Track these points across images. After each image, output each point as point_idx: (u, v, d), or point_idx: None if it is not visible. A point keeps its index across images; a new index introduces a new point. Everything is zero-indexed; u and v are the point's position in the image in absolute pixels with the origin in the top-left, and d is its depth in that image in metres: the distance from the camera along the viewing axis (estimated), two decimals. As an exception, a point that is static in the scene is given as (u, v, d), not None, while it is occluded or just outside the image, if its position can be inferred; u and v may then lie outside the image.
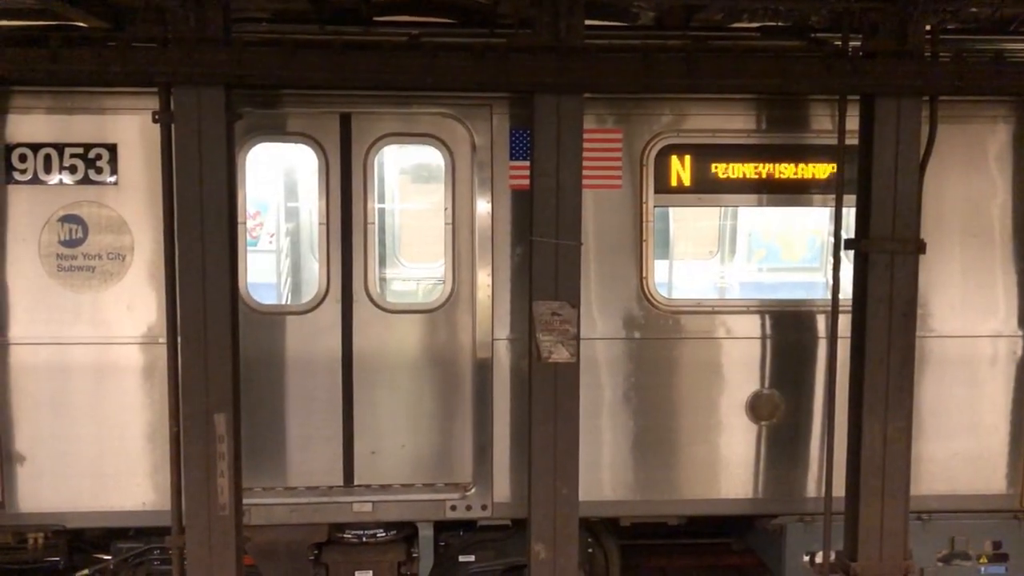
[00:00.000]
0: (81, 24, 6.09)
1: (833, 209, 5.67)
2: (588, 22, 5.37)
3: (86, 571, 6.10)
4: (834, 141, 5.66)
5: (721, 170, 6.08)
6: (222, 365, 5.14)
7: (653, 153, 6.00)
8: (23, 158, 5.73)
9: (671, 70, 5.30)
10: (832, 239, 5.75)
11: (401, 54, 5.20)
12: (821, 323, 6.14)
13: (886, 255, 5.41)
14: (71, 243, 5.79)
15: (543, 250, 5.31)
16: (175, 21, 5.04)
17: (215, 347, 5.12)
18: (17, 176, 5.74)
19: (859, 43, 5.47)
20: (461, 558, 6.12)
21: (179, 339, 5.18)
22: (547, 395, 5.34)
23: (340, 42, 5.17)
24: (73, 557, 6.11)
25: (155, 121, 5.19)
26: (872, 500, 5.46)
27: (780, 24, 6.09)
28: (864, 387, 5.46)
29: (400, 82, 5.27)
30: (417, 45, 5.40)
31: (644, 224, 6.00)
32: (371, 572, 6.03)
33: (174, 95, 5.10)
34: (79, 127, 5.78)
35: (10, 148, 5.73)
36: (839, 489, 5.67)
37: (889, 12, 5.26)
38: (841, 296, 5.64)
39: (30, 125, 5.74)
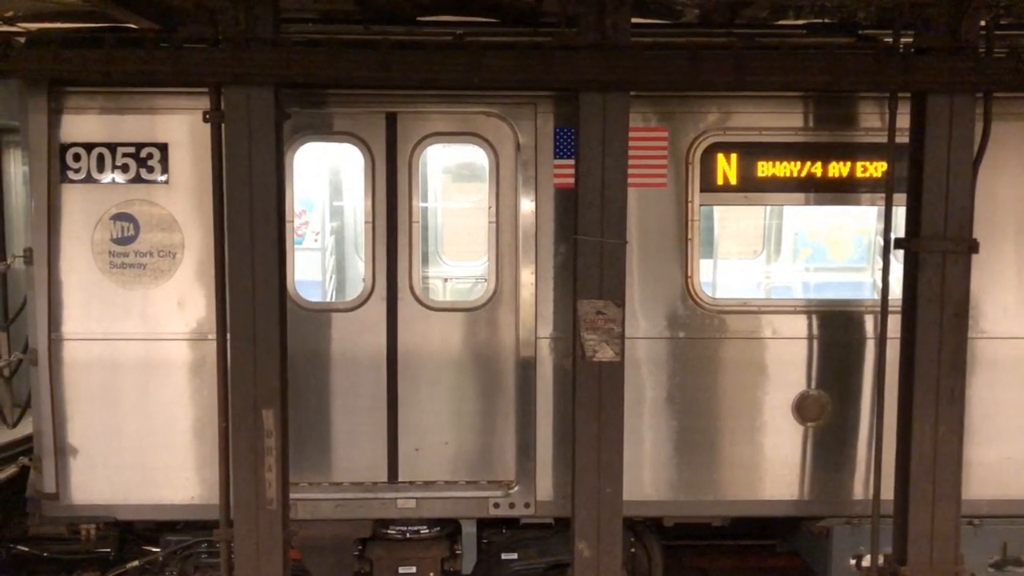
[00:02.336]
0: (132, 26, 6.22)
1: (881, 208, 5.58)
2: (633, 20, 5.36)
3: (136, 563, 6.21)
4: (882, 139, 5.58)
5: (768, 168, 6.02)
6: (270, 361, 5.20)
7: (699, 151, 5.96)
8: (77, 157, 5.85)
9: (718, 67, 5.25)
10: (880, 238, 5.66)
11: (447, 53, 5.24)
12: (869, 323, 6.05)
13: (937, 255, 5.32)
14: (123, 240, 5.90)
15: (588, 249, 5.30)
16: (225, 22, 5.11)
17: (263, 343, 5.18)
18: (71, 175, 5.86)
19: (909, 39, 5.39)
20: (504, 556, 6.14)
21: (228, 335, 5.26)
22: (591, 394, 5.33)
23: (386, 42, 5.21)
24: (123, 549, 6.22)
25: (205, 121, 5.27)
26: (922, 503, 5.37)
27: (827, 21, 6.03)
28: (914, 389, 5.37)
29: (446, 81, 5.29)
30: (463, 44, 5.43)
31: (689, 223, 5.96)
32: (415, 568, 6.06)
33: (224, 95, 5.17)
34: (131, 127, 5.88)
35: (65, 148, 5.85)
36: (887, 492, 5.58)
37: (942, 7, 5.17)
38: (890, 296, 5.55)
39: (84, 125, 5.85)
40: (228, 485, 5.36)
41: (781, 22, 6.17)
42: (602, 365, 5.31)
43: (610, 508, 5.38)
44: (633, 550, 6.30)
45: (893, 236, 5.58)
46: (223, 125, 5.20)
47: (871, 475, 5.72)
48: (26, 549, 6.24)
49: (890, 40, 5.42)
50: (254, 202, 5.15)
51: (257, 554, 5.29)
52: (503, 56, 5.22)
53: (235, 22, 5.08)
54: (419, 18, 6.15)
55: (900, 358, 5.49)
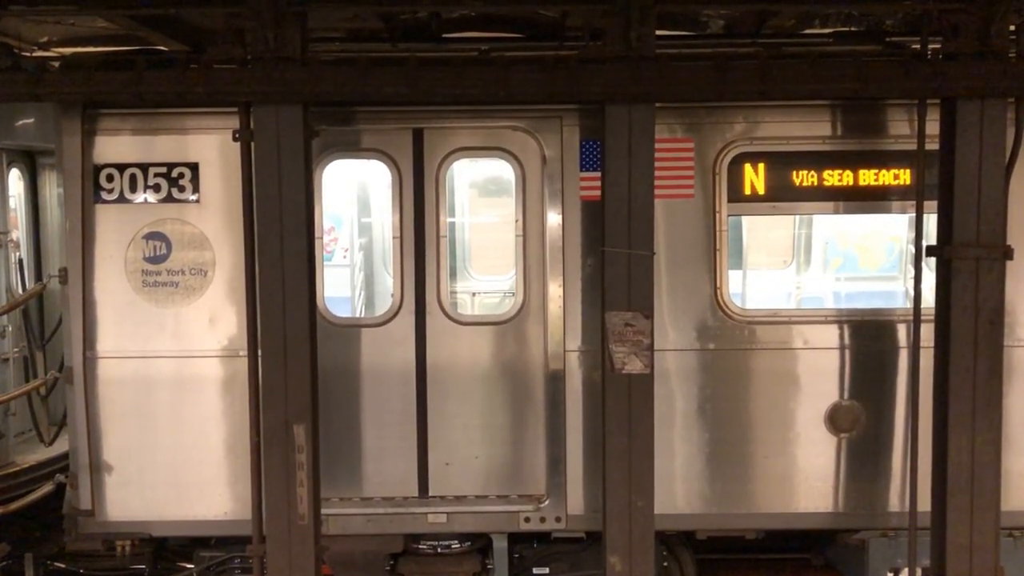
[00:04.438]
0: (161, 47, 6.33)
1: (911, 215, 5.52)
2: (658, 32, 5.37)
3: None
4: (909, 146, 5.53)
5: (795, 178, 5.99)
6: (301, 377, 5.24)
7: (726, 162, 5.94)
8: (110, 178, 5.95)
9: (744, 77, 5.24)
10: (911, 246, 5.60)
11: (474, 69, 5.27)
12: (901, 332, 5.98)
13: (970, 262, 5.25)
14: (156, 259, 5.98)
15: (616, 260, 5.29)
16: (254, 42, 5.18)
17: (294, 359, 5.22)
18: (105, 196, 5.95)
19: (938, 45, 5.35)
20: (535, 570, 6.12)
21: (259, 351, 5.30)
22: (621, 406, 5.31)
23: (413, 59, 5.25)
24: (158, 565, 6.27)
25: (235, 139, 5.34)
26: (960, 515, 5.27)
27: (854, 29, 6.00)
28: (950, 398, 5.28)
29: (473, 96, 5.32)
30: (489, 60, 5.46)
31: (717, 233, 5.94)
32: None
33: (254, 114, 5.23)
34: (162, 147, 5.98)
35: (98, 168, 5.95)
36: (923, 503, 5.49)
37: (971, 12, 5.12)
38: (923, 305, 5.49)
39: (117, 147, 5.95)
40: (260, 501, 5.39)
41: (808, 31, 6.16)
42: (631, 377, 5.29)
43: (641, 521, 5.34)
44: (665, 563, 6.24)
45: (925, 243, 5.52)
46: (253, 143, 5.25)
47: (907, 486, 5.63)
48: (63, 566, 6.30)
49: (916, 47, 5.39)
50: (284, 219, 5.19)
51: (289, 569, 5.31)
52: (529, 70, 5.24)
53: (264, 42, 5.14)
54: (445, 35, 6.21)
55: (934, 367, 5.41)
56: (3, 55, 5.51)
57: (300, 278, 5.22)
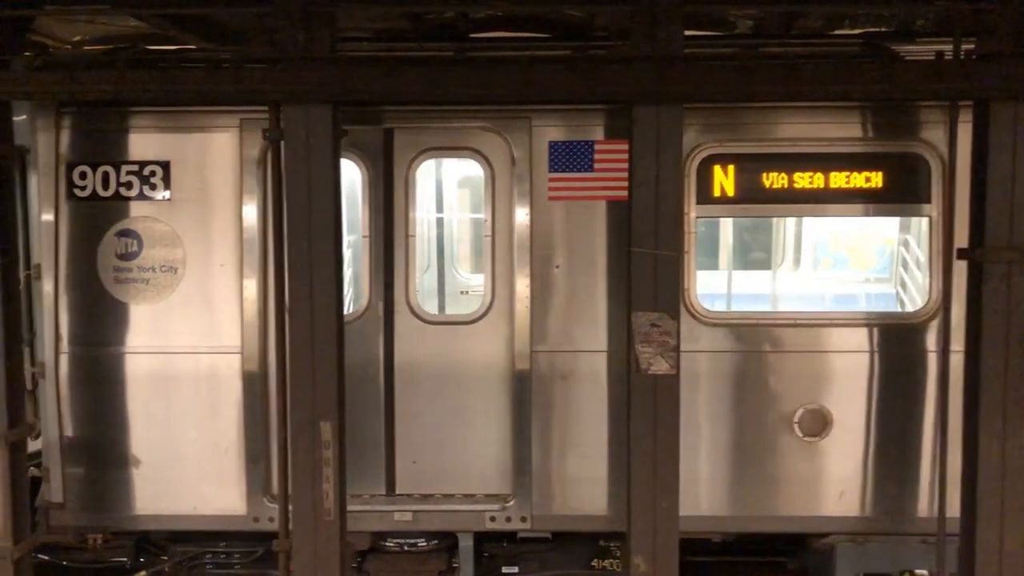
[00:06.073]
0: (185, 46, 6.38)
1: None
2: (685, 32, 5.35)
3: (143, 573, 6.34)
4: (879, 148, 5.63)
5: (766, 180, 5.98)
6: (328, 375, 5.27)
7: (695, 164, 5.93)
8: (83, 175, 6.02)
9: (772, 77, 5.20)
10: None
11: (500, 68, 5.28)
12: (863, 337, 5.99)
13: (1002, 265, 5.19)
14: (127, 256, 6.10)
15: (642, 261, 5.28)
16: (283, 41, 5.21)
17: (322, 357, 5.25)
18: (77, 192, 6.04)
19: (970, 46, 5.30)
20: (505, 569, 6.15)
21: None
22: (646, 407, 5.29)
23: (440, 59, 5.28)
24: (141, 559, 6.40)
25: (265, 138, 5.38)
26: (990, 521, 5.21)
27: (884, 30, 5.95)
28: (980, 403, 5.23)
29: (500, 96, 5.35)
30: (515, 59, 5.48)
31: (686, 235, 5.93)
32: None
33: (283, 113, 5.26)
34: (134, 146, 6.07)
35: (71, 166, 6.03)
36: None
37: (1004, 12, 5.06)
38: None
39: (90, 144, 6.02)
40: (286, 496, 5.43)
41: (836, 32, 6.11)
42: (657, 378, 5.28)
43: (666, 523, 5.33)
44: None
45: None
46: (282, 143, 5.27)
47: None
48: (46, 558, 6.36)
49: (941, 47, 5.33)
50: (312, 218, 5.22)
51: (315, 564, 5.35)
52: (555, 71, 5.25)
53: (294, 41, 5.18)
54: (471, 35, 6.22)
55: (964, 371, 5.36)
56: (37, 54, 5.61)
57: (328, 277, 5.25)
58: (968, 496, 5.34)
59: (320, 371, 5.26)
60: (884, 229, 8.50)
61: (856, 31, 6.12)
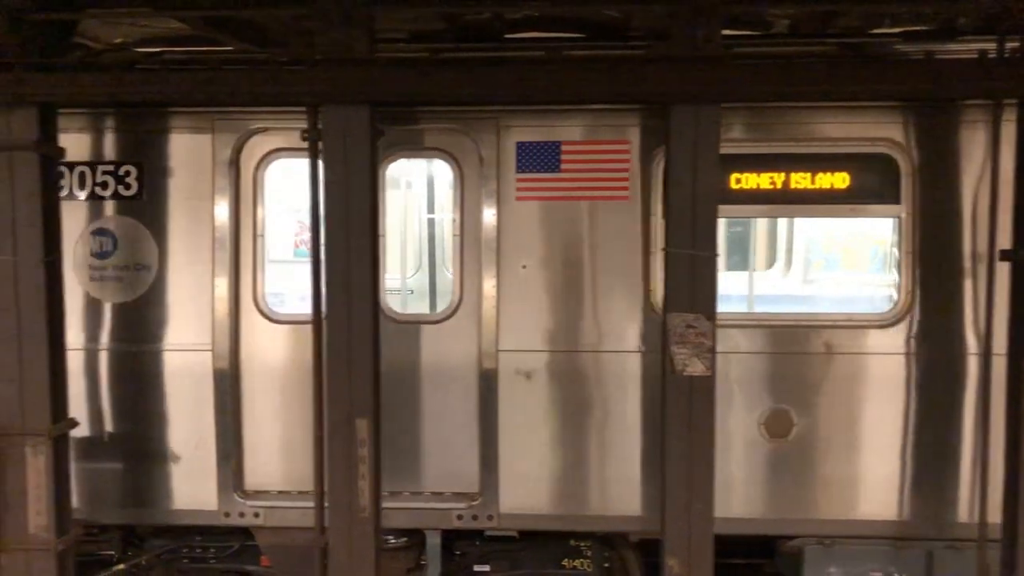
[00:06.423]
0: (221, 48, 6.44)
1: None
2: (723, 32, 5.32)
3: (122, 566, 6.44)
4: (845, 149, 5.67)
5: (732, 180, 5.96)
6: (365, 372, 5.32)
7: (662, 164, 5.91)
8: (60, 175, 6.05)
9: (812, 77, 5.17)
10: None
11: (538, 69, 5.28)
12: (818, 338, 5.97)
13: None
14: (102, 255, 6.23)
15: (678, 261, 5.27)
16: (323, 43, 5.27)
17: (359, 355, 5.30)
18: None
19: (1014, 44, 5.22)
20: (476, 567, 6.16)
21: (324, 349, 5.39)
22: (681, 409, 5.28)
23: (476, 60, 5.30)
24: (128, 551, 6.52)
25: (303, 139, 5.44)
26: None
27: (925, 28, 5.87)
28: (1023, 407, 5.15)
29: (537, 97, 5.36)
30: (552, 60, 5.48)
31: (652, 235, 5.93)
32: None
33: (322, 114, 5.32)
34: (109, 146, 6.21)
35: None
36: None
37: (1052, 10, 4.99)
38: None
39: (67, 145, 6.01)
40: (322, 493, 5.49)
41: (875, 31, 6.04)
42: (692, 380, 5.26)
43: (701, 524, 5.31)
44: (607, 564, 6.28)
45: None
46: (321, 144, 5.32)
47: (978, 497, 5.57)
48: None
49: (987, 45, 5.27)
50: (350, 218, 5.27)
51: (350, 561, 5.40)
52: (592, 71, 5.24)
53: (332, 43, 5.23)
54: (507, 35, 6.23)
55: (1008, 375, 5.28)
56: (82, 56, 5.71)
57: (365, 276, 5.30)
58: (1010, 502, 5.26)
59: (356, 369, 5.31)
60: (866, 230, 8.56)
61: (896, 30, 6.03)
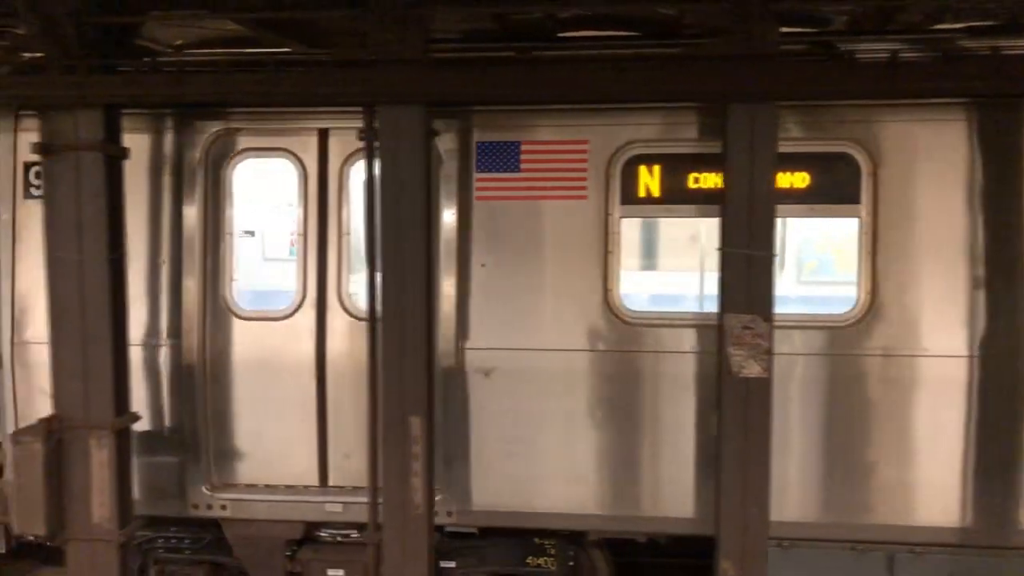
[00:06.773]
0: (273, 50, 6.51)
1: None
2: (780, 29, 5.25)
3: None
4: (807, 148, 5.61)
5: (691, 180, 5.85)
6: (418, 371, 5.36)
7: (620, 164, 5.84)
8: (39, 175, 6.12)
9: (871, 75, 5.09)
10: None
11: (591, 68, 5.28)
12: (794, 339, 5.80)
13: None
14: None
15: (734, 261, 5.22)
16: (376, 43, 5.30)
17: (413, 354, 5.34)
18: (33, 192, 6.23)
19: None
20: (443, 563, 6.13)
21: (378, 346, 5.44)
22: (737, 411, 5.24)
23: (528, 59, 5.29)
24: None
25: (359, 139, 5.49)
26: None
27: (991, 24, 5.72)
28: None
29: (591, 95, 5.34)
30: (605, 58, 5.46)
31: (610, 235, 5.86)
32: (343, 571, 6.17)
33: (379, 114, 5.36)
34: None
35: (28, 166, 6.23)
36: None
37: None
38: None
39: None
40: (376, 490, 5.54)
41: (938, 26, 5.90)
42: (749, 381, 5.21)
43: (756, 527, 5.26)
44: (571, 563, 6.22)
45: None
46: (376, 143, 5.37)
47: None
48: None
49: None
50: (404, 217, 5.31)
51: (403, 557, 5.46)
52: (647, 69, 5.22)
53: (388, 43, 5.27)
54: (559, 34, 6.21)
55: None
56: (143, 59, 5.82)
57: (419, 275, 5.34)
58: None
59: (410, 368, 5.35)
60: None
61: (959, 25, 5.90)
